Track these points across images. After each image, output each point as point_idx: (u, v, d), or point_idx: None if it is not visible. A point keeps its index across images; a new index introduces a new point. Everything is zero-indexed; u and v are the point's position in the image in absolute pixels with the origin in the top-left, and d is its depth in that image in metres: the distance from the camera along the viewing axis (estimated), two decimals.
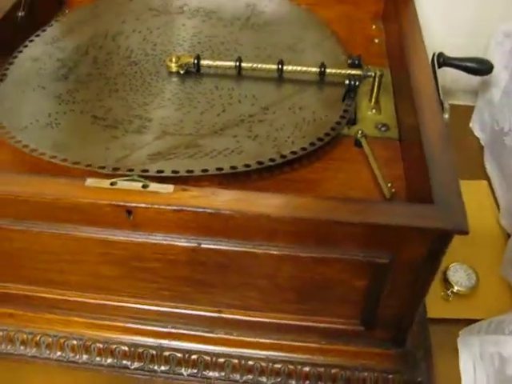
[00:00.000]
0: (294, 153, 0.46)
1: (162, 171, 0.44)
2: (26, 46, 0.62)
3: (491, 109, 0.74)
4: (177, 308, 0.50)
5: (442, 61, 0.65)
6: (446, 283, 0.61)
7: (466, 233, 0.38)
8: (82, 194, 0.40)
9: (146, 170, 0.44)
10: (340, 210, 0.40)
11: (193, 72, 0.57)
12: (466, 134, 0.80)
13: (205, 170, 0.44)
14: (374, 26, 0.68)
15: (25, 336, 0.54)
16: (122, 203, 0.40)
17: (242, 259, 0.43)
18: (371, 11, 0.69)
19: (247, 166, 0.45)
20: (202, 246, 0.42)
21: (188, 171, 0.44)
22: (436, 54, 0.65)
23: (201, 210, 0.39)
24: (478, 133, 0.79)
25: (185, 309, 0.50)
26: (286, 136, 0.48)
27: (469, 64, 0.65)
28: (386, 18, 0.67)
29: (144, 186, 0.41)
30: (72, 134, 0.51)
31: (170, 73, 0.56)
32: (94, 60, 0.59)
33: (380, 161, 0.50)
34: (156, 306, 0.50)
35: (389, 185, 0.47)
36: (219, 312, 0.49)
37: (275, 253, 0.42)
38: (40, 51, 0.61)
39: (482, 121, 0.77)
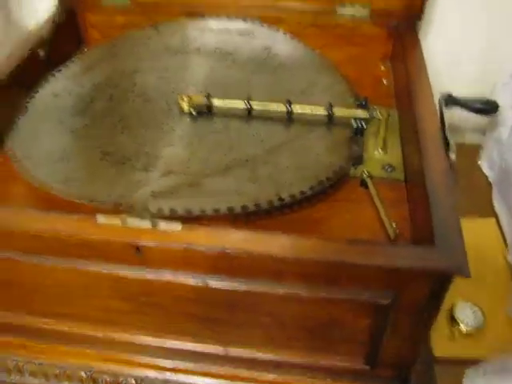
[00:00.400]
0: (292, 196, 0.48)
1: (162, 209, 0.45)
2: (48, 81, 0.64)
3: (499, 147, 0.75)
4: (184, 343, 0.51)
5: (449, 101, 0.66)
6: (453, 321, 0.61)
7: (466, 275, 0.39)
8: (94, 231, 0.42)
9: (147, 208, 0.45)
10: (346, 252, 0.40)
11: (204, 111, 0.59)
12: (475, 171, 0.81)
13: (203, 211, 0.45)
14: (382, 67, 0.70)
15: (34, 367, 0.55)
16: (131, 241, 0.41)
17: (248, 298, 0.44)
18: (380, 52, 0.71)
19: (244, 207, 0.46)
20: (209, 284, 0.44)
21: (187, 211, 0.45)
22: (443, 94, 0.67)
23: (207, 249, 0.41)
24: (486, 171, 0.79)
25: (192, 344, 0.51)
26: (287, 179, 0.49)
27: (475, 104, 0.66)
28: (394, 59, 0.69)
29: (153, 225, 0.42)
30: (81, 168, 0.53)
31: (182, 112, 0.59)
32: (110, 96, 0.62)
33: (385, 201, 0.51)
34: (164, 340, 0.51)
35: (394, 225, 0.48)
36: (226, 348, 0.50)
37: (281, 292, 0.43)
38: (61, 86, 0.64)
39: (490, 159, 0.78)
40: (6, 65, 0.62)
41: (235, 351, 0.50)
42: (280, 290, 0.43)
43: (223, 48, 0.69)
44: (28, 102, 0.61)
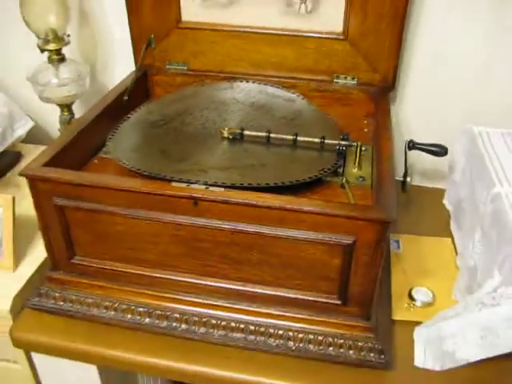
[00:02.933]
0: (258, 184, 0.78)
1: (182, 179, 0.78)
2: (148, 103, 1.02)
3: (455, 187, 1.07)
4: (216, 282, 0.81)
5: (412, 145, 1.00)
6: (410, 298, 0.90)
7: (393, 220, 0.69)
8: (170, 188, 0.74)
9: (173, 177, 0.78)
10: (324, 206, 0.72)
11: (238, 139, 0.92)
12: (441, 209, 1.12)
13: (197, 181, 0.77)
14: (365, 121, 1.05)
15: (107, 303, 0.85)
16: (192, 194, 0.73)
17: (261, 240, 0.75)
18: (364, 111, 1.05)
19: (216, 183, 0.77)
20: (237, 228, 0.74)
21: (186, 180, 0.77)
22: (408, 140, 1.00)
23: (240, 200, 0.72)
24: (448, 206, 1.11)
25: (220, 283, 0.80)
26: (262, 177, 0.80)
27: (430, 148, 0.99)
28: (373, 116, 1.03)
29: (206, 188, 0.74)
30: (142, 155, 0.88)
31: (223, 137, 0.92)
32: (182, 120, 0.98)
33: (355, 196, 0.83)
34: (203, 280, 0.81)
35: None
36: (244, 285, 0.80)
37: (284, 235, 0.74)
38: (155, 108, 1.01)
39: (450, 196, 1.10)
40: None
41: (250, 288, 0.80)
42: (282, 233, 0.73)
43: (269, 106, 1.04)
44: (132, 114, 0.98)
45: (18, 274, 0.92)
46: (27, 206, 0.95)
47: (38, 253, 0.96)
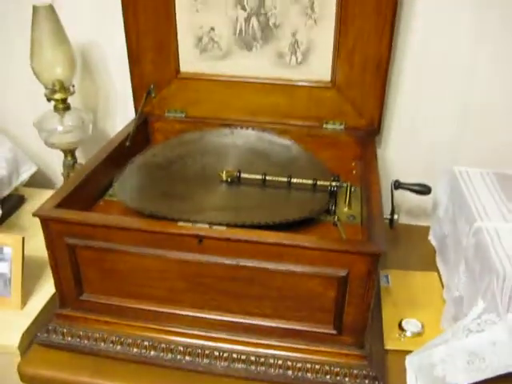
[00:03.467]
0: (251, 224, 0.84)
1: (189, 218, 0.83)
2: (152, 147, 1.10)
3: (439, 223, 1.14)
4: (218, 316, 0.86)
5: (398, 185, 1.07)
6: (400, 329, 0.96)
7: (383, 252, 0.76)
8: (177, 228, 0.80)
9: (174, 217, 0.84)
10: (320, 242, 0.78)
11: (235, 181, 1.00)
12: (427, 245, 1.20)
13: (196, 221, 0.82)
14: (353, 164, 1.12)
15: (113, 337, 0.90)
16: (198, 233, 0.79)
17: (262, 275, 0.81)
18: (352, 154, 1.13)
19: (211, 223, 0.82)
20: (239, 263, 0.81)
21: (191, 220, 0.83)
22: (393, 180, 1.08)
23: (242, 238, 0.78)
24: (433, 243, 1.18)
25: (222, 316, 0.86)
26: (259, 217, 0.86)
27: (414, 187, 1.07)
28: (361, 159, 1.11)
29: (210, 226, 0.81)
30: (145, 196, 0.95)
31: (221, 180, 1.00)
32: (184, 163, 1.05)
33: (347, 233, 0.89)
34: (206, 314, 0.86)
35: None
36: (245, 318, 0.85)
37: (282, 269, 0.80)
38: (159, 151, 1.08)
39: (435, 232, 1.17)
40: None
41: (251, 321, 0.85)
42: (282, 267, 0.80)
43: (266, 151, 1.12)
44: (136, 158, 1.06)
45: (26, 311, 0.97)
46: (32, 247, 1.01)
47: (44, 290, 1.01)
